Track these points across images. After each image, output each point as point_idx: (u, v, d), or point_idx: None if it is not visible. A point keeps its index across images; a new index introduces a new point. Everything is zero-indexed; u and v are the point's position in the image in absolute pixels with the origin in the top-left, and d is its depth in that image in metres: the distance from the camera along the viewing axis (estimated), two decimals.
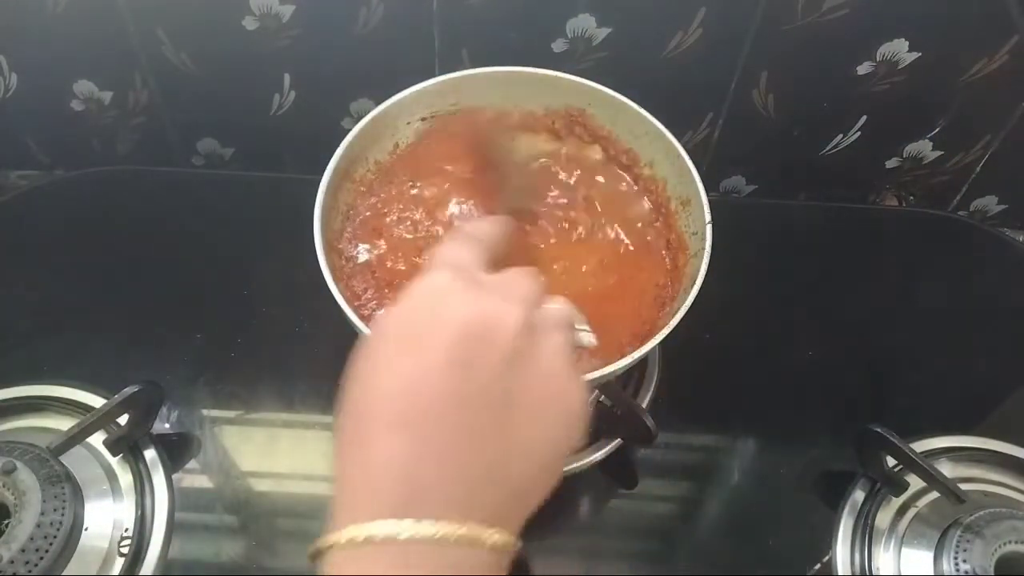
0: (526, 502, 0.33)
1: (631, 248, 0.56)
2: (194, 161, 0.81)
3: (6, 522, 0.52)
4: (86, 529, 0.56)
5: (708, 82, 0.72)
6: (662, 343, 0.47)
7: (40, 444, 0.56)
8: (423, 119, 0.59)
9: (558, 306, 0.37)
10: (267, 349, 0.68)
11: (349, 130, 0.54)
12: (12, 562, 0.50)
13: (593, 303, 0.53)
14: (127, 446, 0.60)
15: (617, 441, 0.60)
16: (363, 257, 0.54)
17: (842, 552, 0.59)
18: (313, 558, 0.30)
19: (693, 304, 0.48)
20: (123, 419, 0.60)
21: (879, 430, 0.59)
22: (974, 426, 0.65)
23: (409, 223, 0.56)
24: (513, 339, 0.32)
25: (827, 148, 0.77)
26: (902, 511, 0.60)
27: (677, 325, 0.47)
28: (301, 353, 0.67)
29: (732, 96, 0.72)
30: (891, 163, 0.79)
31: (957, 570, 0.54)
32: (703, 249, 0.50)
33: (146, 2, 0.66)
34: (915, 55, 0.68)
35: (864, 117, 0.74)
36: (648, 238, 0.57)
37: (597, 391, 0.62)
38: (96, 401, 0.62)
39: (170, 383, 0.64)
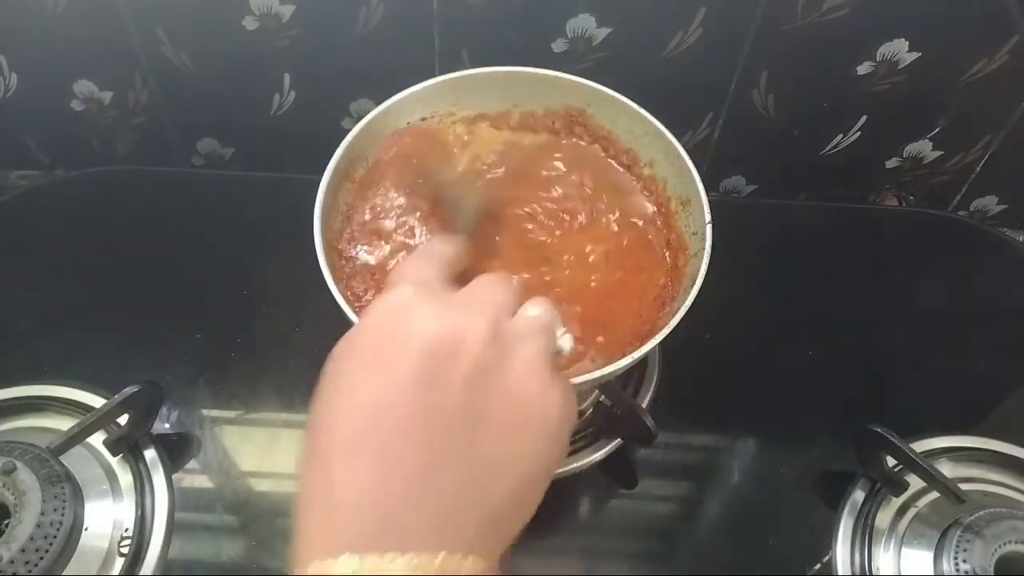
0: (504, 525, 0.31)
1: (633, 244, 0.56)
2: (194, 161, 0.81)
3: (6, 522, 0.52)
4: (86, 529, 0.56)
5: (708, 82, 0.72)
6: (662, 343, 0.47)
7: (40, 444, 0.56)
8: (423, 119, 0.59)
9: (535, 310, 0.35)
10: (267, 349, 0.68)
11: (349, 130, 0.54)
12: (12, 562, 0.50)
13: (597, 299, 0.53)
14: (127, 446, 0.60)
15: (617, 441, 0.60)
16: (363, 258, 0.54)
17: (842, 552, 0.59)
18: None
19: (693, 304, 0.48)
20: (123, 419, 0.60)
21: (879, 430, 0.59)
22: (974, 426, 0.65)
23: (407, 227, 0.56)
24: (479, 353, 0.31)
25: (827, 148, 0.77)
26: (902, 511, 0.60)
27: (677, 325, 0.47)
28: (301, 353, 0.67)
29: (732, 96, 0.72)
30: (891, 163, 0.79)
31: (957, 570, 0.54)
32: (703, 249, 0.50)
33: (146, 2, 0.66)
34: (915, 55, 0.68)
35: (864, 117, 0.74)
36: (649, 236, 0.57)
37: (597, 391, 0.62)
38: (96, 401, 0.62)
39: (170, 383, 0.64)
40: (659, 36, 0.67)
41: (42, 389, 0.63)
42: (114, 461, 0.60)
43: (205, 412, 0.65)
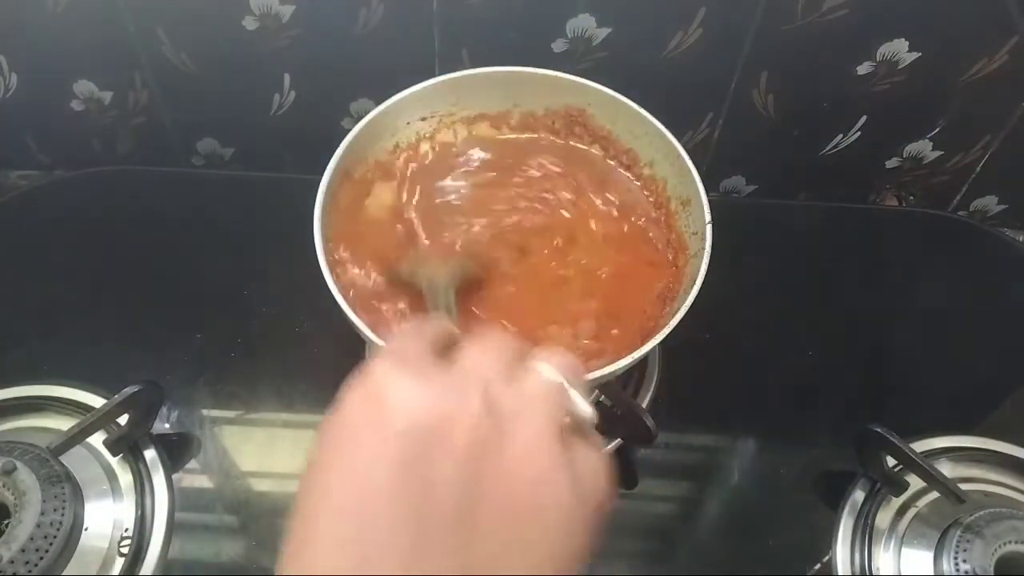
0: None
1: (635, 238, 0.56)
2: (194, 161, 0.81)
3: (6, 522, 0.52)
4: (86, 529, 0.56)
5: (708, 82, 0.72)
6: (662, 343, 0.47)
7: (40, 444, 0.56)
8: (423, 119, 0.59)
9: (538, 373, 0.30)
10: (267, 349, 0.68)
11: (349, 130, 0.54)
12: (12, 562, 0.50)
13: (610, 292, 0.54)
14: (127, 446, 0.60)
15: (617, 441, 0.60)
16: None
17: (842, 552, 0.59)
18: None
19: (693, 304, 0.48)
20: (123, 419, 0.60)
21: (879, 430, 0.59)
22: (974, 426, 0.65)
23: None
24: (469, 433, 0.27)
25: (827, 148, 0.77)
26: (902, 511, 0.60)
27: (677, 325, 0.47)
28: (301, 353, 0.67)
29: (732, 96, 0.72)
30: (891, 163, 0.79)
31: (957, 570, 0.54)
32: (703, 249, 0.50)
33: (146, 2, 0.66)
34: (915, 55, 0.68)
35: (864, 117, 0.74)
36: (650, 234, 0.57)
37: (597, 391, 0.62)
38: (96, 401, 0.62)
39: (170, 383, 0.64)
40: (659, 36, 0.67)
41: (42, 389, 0.63)
42: (114, 461, 0.60)
43: (205, 412, 0.65)
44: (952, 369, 0.70)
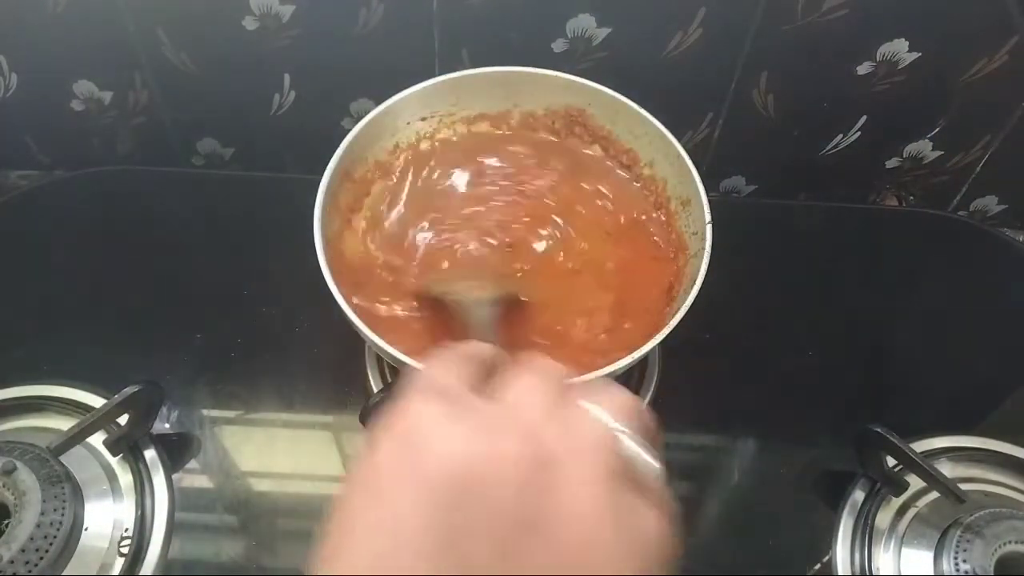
0: None
1: (638, 232, 0.57)
2: (194, 161, 0.81)
3: (6, 522, 0.52)
4: (86, 529, 0.56)
5: (708, 82, 0.72)
6: (662, 343, 0.47)
7: (40, 444, 0.56)
8: (423, 119, 0.59)
9: (590, 411, 0.27)
10: (267, 349, 0.68)
11: (349, 130, 0.54)
12: (12, 562, 0.50)
13: (621, 285, 0.54)
14: (127, 446, 0.60)
15: None
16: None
17: (842, 552, 0.59)
18: None
19: (693, 304, 0.48)
20: (123, 419, 0.60)
21: (879, 430, 0.59)
22: (974, 426, 0.65)
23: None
24: (513, 480, 0.25)
25: (827, 148, 0.77)
26: (902, 511, 0.60)
27: (677, 325, 0.47)
28: (301, 353, 0.67)
29: (732, 96, 0.72)
30: (891, 163, 0.79)
31: (957, 570, 0.54)
32: (703, 249, 0.50)
33: (146, 2, 0.66)
34: (915, 55, 0.68)
35: (864, 117, 0.74)
36: (651, 229, 0.57)
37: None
38: (96, 401, 0.62)
39: (170, 383, 0.64)
40: (659, 36, 0.67)
41: (42, 389, 0.63)
42: (114, 461, 0.60)
43: (205, 412, 0.65)
44: (952, 369, 0.70)
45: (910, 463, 0.58)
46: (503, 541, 0.24)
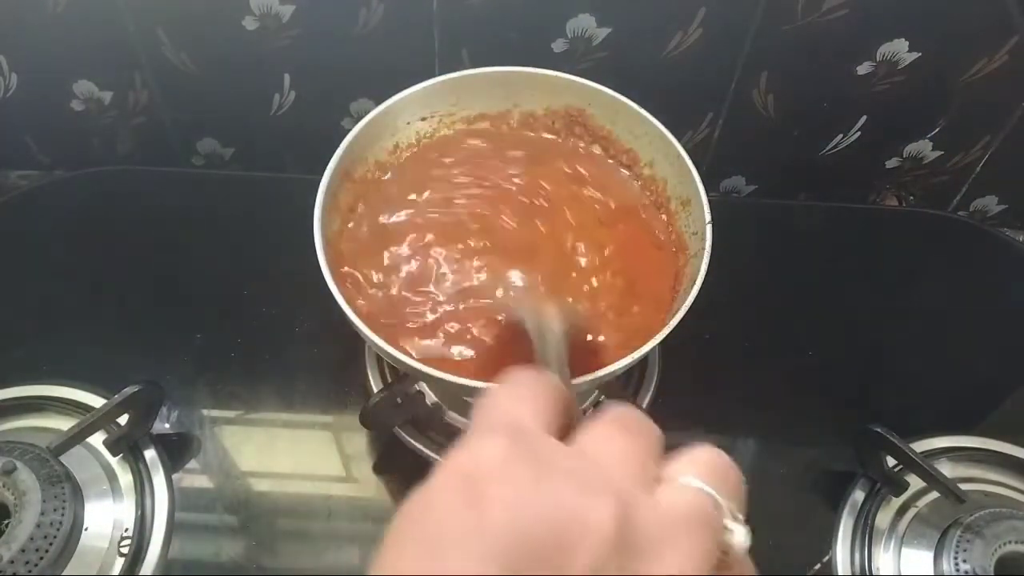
0: None
1: (637, 223, 0.57)
2: (194, 161, 0.81)
3: (6, 522, 0.52)
4: (86, 529, 0.56)
5: (708, 82, 0.72)
6: (662, 343, 0.47)
7: (40, 444, 0.56)
8: (423, 119, 0.59)
9: (690, 480, 0.23)
10: (267, 349, 0.68)
11: (349, 130, 0.54)
12: (12, 562, 0.50)
13: (628, 269, 0.54)
14: (127, 446, 0.60)
15: None
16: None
17: (842, 552, 0.59)
18: None
19: (693, 304, 0.48)
20: (123, 419, 0.60)
21: (879, 430, 0.59)
22: (974, 426, 0.65)
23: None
24: (593, 560, 0.20)
25: (827, 148, 0.77)
26: (902, 511, 0.60)
27: (677, 325, 0.47)
28: (301, 353, 0.67)
29: (732, 96, 0.72)
30: (891, 163, 0.79)
31: (957, 570, 0.54)
32: (703, 249, 0.50)
33: (146, 2, 0.66)
34: (915, 55, 0.68)
35: (864, 117, 0.74)
36: (646, 216, 0.57)
37: (597, 391, 0.62)
38: (96, 401, 0.62)
39: (170, 383, 0.64)
40: (659, 36, 0.67)
41: (42, 389, 0.63)
42: (114, 461, 0.60)
43: (205, 412, 0.65)
44: (952, 369, 0.70)
45: (910, 463, 0.58)
46: None
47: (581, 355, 0.50)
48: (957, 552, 0.55)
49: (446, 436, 0.62)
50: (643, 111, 0.56)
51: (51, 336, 0.68)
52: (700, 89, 0.73)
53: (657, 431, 0.25)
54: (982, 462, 0.63)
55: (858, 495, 0.61)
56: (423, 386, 0.63)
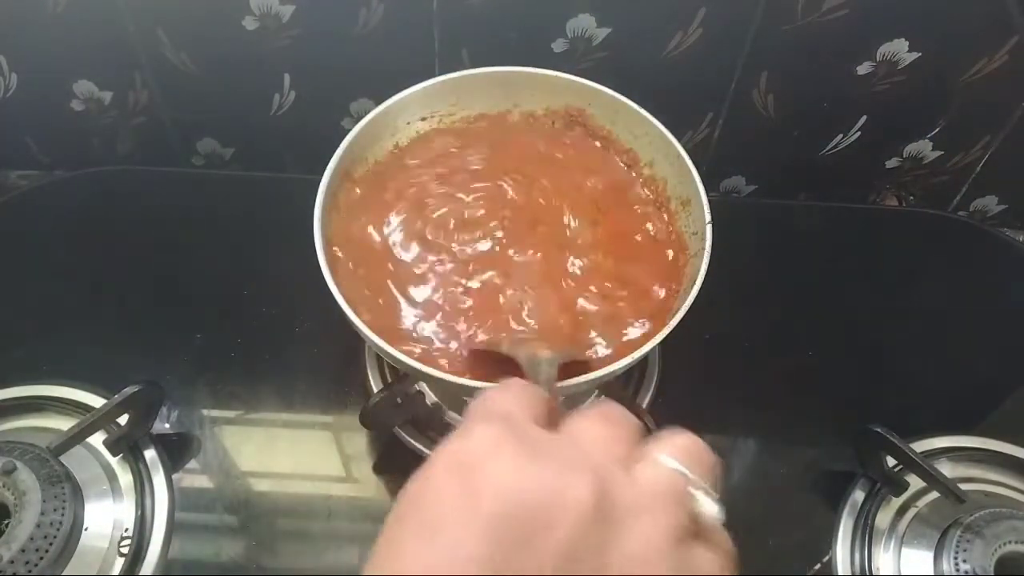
0: None
1: (641, 233, 0.57)
2: (194, 161, 0.81)
3: (6, 522, 0.52)
4: (86, 529, 0.56)
5: (708, 82, 0.72)
6: (662, 343, 0.47)
7: (40, 444, 0.56)
8: (423, 119, 0.59)
9: (664, 459, 0.26)
10: (267, 349, 0.68)
11: (349, 130, 0.54)
12: (12, 562, 0.50)
13: (621, 253, 0.54)
14: (127, 446, 0.60)
15: None
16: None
17: (842, 552, 0.59)
18: None
19: (693, 304, 0.48)
20: (123, 419, 0.60)
21: (879, 430, 0.59)
22: (974, 426, 0.65)
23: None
24: (573, 527, 0.23)
25: (827, 148, 0.77)
26: (902, 511, 0.60)
27: (677, 325, 0.47)
28: (301, 353, 0.67)
29: (732, 96, 0.72)
30: (891, 163, 0.79)
31: (957, 570, 0.54)
32: (703, 249, 0.50)
33: (146, 2, 0.66)
34: (915, 55, 0.68)
35: (864, 117, 0.74)
36: (651, 230, 0.57)
37: (597, 391, 0.62)
38: (96, 401, 0.62)
39: (170, 383, 0.64)
40: (659, 36, 0.67)
41: (42, 389, 0.63)
42: (114, 461, 0.60)
43: (205, 412, 0.65)
44: (952, 369, 0.70)
45: (910, 463, 0.58)
46: None
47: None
48: (957, 552, 0.55)
49: (446, 436, 0.62)
50: (643, 111, 0.56)
51: (51, 336, 0.68)
52: (700, 89, 0.73)
53: (636, 420, 0.28)
54: (982, 462, 0.63)
55: (858, 495, 0.61)
56: (423, 386, 0.63)
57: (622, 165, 0.59)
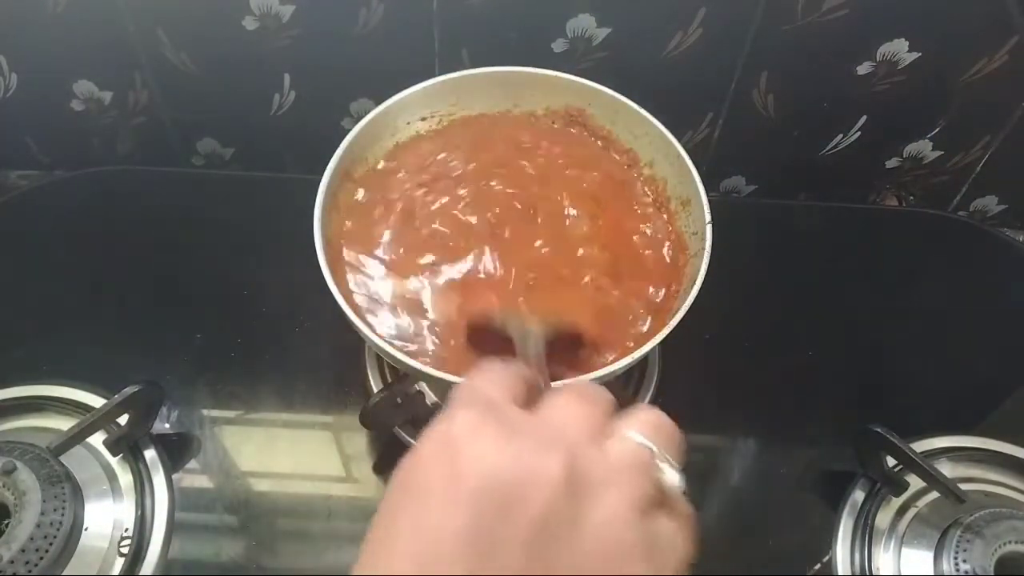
0: None
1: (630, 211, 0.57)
2: (194, 161, 0.81)
3: (6, 522, 0.52)
4: (86, 529, 0.56)
5: (708, 82, 0.72)
6: (662, 343, 0.47)
7: (40, 444, 0.56)
8: (423, 119, 0.59)
9: (632, 435, 0.28)
10: (267, 349, 0.68)
11: (349, 130, 0.54)
12: (12, 562, 0.50)
13: (620, 247, 0.54)
14: (127, 446, 0.60)
15: None
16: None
17: (842, 552, 0.59)
18: None
19: (693, 304, 0.48)
20: (123, 419, 0.60)
21: (879, 430, 0.59)
22: (974, 426, 0.65)
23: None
24: (546, 502, 0.25)
25: (827, 148, 0.77)
26: (902, 511, 0.60)
27: (677, 325, 0.47)
28: (301, 353, 0.67)
29: (732, 96, 0.72)
30: (891, 163, 0.79)
31: (957, 570, 0.54)
32: (703, 249, 0.50)
33: (146, 2, 0.66)
34: (915, 55, 0.68)
35: (864, 117, 0.74)
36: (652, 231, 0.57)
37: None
38: (96, 401, 0.62)
39: (170, 383, 0.64)
40: (659, 36, 0.67)
41: (42, 389, 0.63)
42: (114, 461, 0.60)
43: (205, 412, 0.65)
44: (952, 369, 0.70)
45: (910, 463, 0.58)
46: (531, 552, 0.25)
47: (571, 350, 0.50)
48: (957, 552, 0.55)
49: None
50: (643, 111, 0.56)
51: (51, 336, 0.68)
52: (700, 89, 0.73)
53: (609, 396, 0.30)
54: (982, 462, 0.63)
55: (858, 495, 0.61)
56: (423, 386, 0.63)
57: (623, 164, 0.59)
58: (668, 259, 0.56)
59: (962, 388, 0.70)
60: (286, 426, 0.65)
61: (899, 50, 0.67)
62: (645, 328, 0.52)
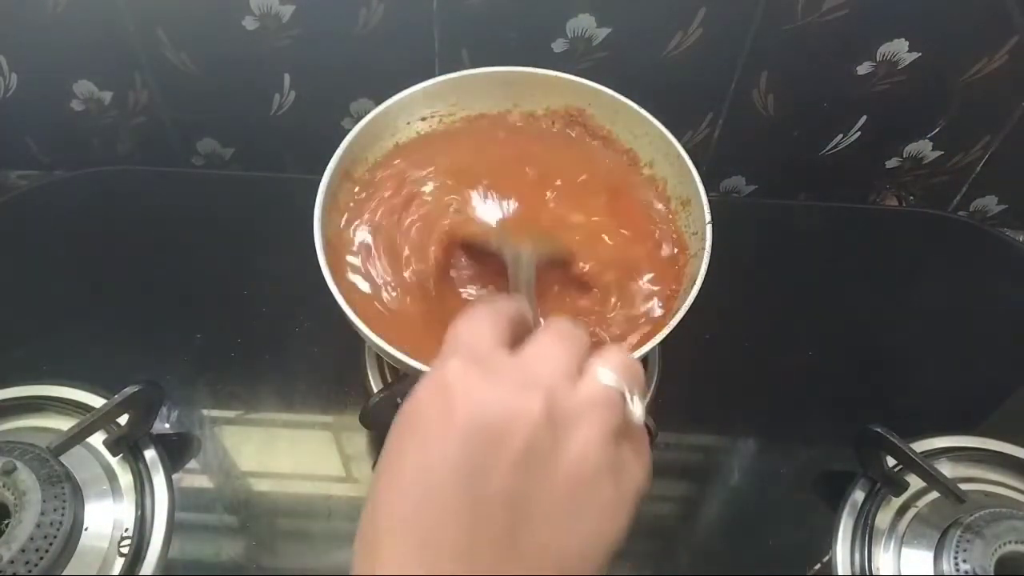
0: None
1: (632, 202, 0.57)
2: (194, 161, 0.81)
3: (6, 522, 0.52)
4: (86, 529, 0.56)
5: (708, 82, 0.72)
6: (662, 343, 0.47)
7: (40, 444, 0.56)
8: (423, 119, 0.59)
9: (604, 374, 0.32)
10: (267, 349, 0.68)
11: (349, 130, 0.54)
12: (12, 562, 0.50)
13: (617, 242, 0.54)
14: (127, 446, 0.60)
15: None
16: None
17: (842, 552, 0.59)
18: None
19: (693, 304, 0.48)
20: (123, 419, 0.60)
21: (879, 430, 0.59)
22: (974, 426, 0.65)
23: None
24: (527, 437, 0.29)
25: (827, 148, 0.77)
26: (902, 511, 0.60)
27: (677, 325, 0.47)
28: (301, 353, 0.67)
29: (732, 96, 0.72)
30: (891, 163, 0.79)
31: (957, 570, 0.54)
32: (703, 249, 0.50)
33: (146, 2, 0.66)
34: (915, 55, 0.68)
35: (864, 117, 0.74)
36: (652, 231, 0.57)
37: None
38: (96, 401, 0.62)
39: (170, 383, 0.64)
40: (659, 36, 0.67)
41: (42, 389, 0.63)
42: (114, 461, 0.60)
43: (205, 412, 0.65)
44: (952, 369, 0.70)
45: (910, 463, 0.58)
46: (516, 480, 0.29)
47: (569, 285, 0.52)
48: (957, 552, 0.55)
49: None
50: (643, 111, 0.56)
51: (51, 336, 0.68)
52: (700, 89, 0.73)
53: (585, 336, 0.34)
54: (982, 462, 0.63)
55: (858, 495, 0.61)
56: None
57: (623, 164, 0.59)
58: (668, 259, 0.56)
59: (962, 388, 0.70)
60: (286, 426, 0.65)
61: (899, 50, 0.67)
62: (645, 328, 0.52)
